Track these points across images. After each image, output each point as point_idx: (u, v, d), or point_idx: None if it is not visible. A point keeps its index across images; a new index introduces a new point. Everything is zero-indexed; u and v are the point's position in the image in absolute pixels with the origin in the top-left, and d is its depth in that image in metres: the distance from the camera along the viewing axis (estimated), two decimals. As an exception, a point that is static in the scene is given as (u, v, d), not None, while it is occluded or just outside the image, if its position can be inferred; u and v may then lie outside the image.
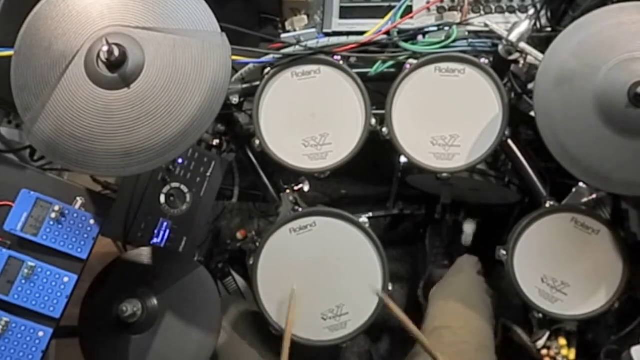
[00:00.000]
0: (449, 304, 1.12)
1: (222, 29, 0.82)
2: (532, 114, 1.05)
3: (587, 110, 0.83)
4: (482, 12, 1.07)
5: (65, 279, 0.91)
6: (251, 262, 1.07)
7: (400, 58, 1.05)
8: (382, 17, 1.08)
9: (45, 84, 0.79)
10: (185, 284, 0.98)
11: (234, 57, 0.96)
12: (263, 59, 1.06)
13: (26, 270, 0.90)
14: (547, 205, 1.04)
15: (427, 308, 1.18)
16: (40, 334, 0.90)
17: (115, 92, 0.78)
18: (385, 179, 1.57)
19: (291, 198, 1.16)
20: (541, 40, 1.03)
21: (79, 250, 0.92)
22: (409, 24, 1.06)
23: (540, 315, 1.01)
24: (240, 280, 1.60)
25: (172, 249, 1.09)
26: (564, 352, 1.07)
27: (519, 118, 1.11)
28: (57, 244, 0.91)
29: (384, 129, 1.03)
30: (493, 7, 1.07)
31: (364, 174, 1.71)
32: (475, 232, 1.42)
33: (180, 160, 1.11)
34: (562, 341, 1.08)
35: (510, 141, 1.10)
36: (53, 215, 0.91)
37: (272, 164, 1.08)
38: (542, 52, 0.94)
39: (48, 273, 0.91)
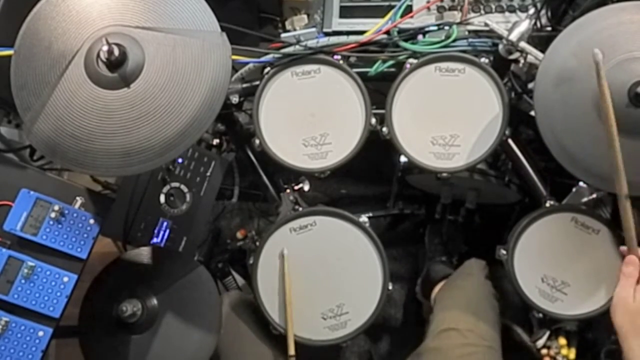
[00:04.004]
0: (458, 307, 1.12)
1: (222, 28, 0.82)
2: (532, 113, 1.05)
3: (587, 110, 0.82)
4: (482, 12, 1.07)
5: (65, 279, 0.91)
6: (251, 261, 1.07)
7: (400, 57, 1.05)
8: (382, 17, 1.08)
9: (45, 84, 0.79)
10: (185, 284, 0.98)
11: (234, 57, 0.96)
12: (263, 59, 1.06)
13: (26, 270, 0.90)
14: (547, 205, 1.04)
15: (433, 309, 1.18)
16: (40, 333, 0.90)
17: (115, 91, 0.77)
18: (385, 179, 1.57)
19: (291, 198, 1.16)
20: (541, 40, 1.03)
21: (79, 250, 0.92)
22: (409, 23, 1.06)
23: (540, 315, 1.00)
24: (240, 280, 1.61)
25: (172, 248, 1.08)
26: (564, 351, 1.08)
27: (519, 118, 1.11)
28: (57, 244, 0.91)
29: (384, 129, 1.03)
30: (493, 7, 1.07)
31: (364, 173, 1.71)
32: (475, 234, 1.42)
33: (180, 160, 1.11)
34: (562, 341, 1.08)
35: (510, 141, 1.10)
36: (53, 215, 0.91)
37: (272, 164, 1.08)
38: (542, 51, 0.94)
39: (48, 273, 0.91)
